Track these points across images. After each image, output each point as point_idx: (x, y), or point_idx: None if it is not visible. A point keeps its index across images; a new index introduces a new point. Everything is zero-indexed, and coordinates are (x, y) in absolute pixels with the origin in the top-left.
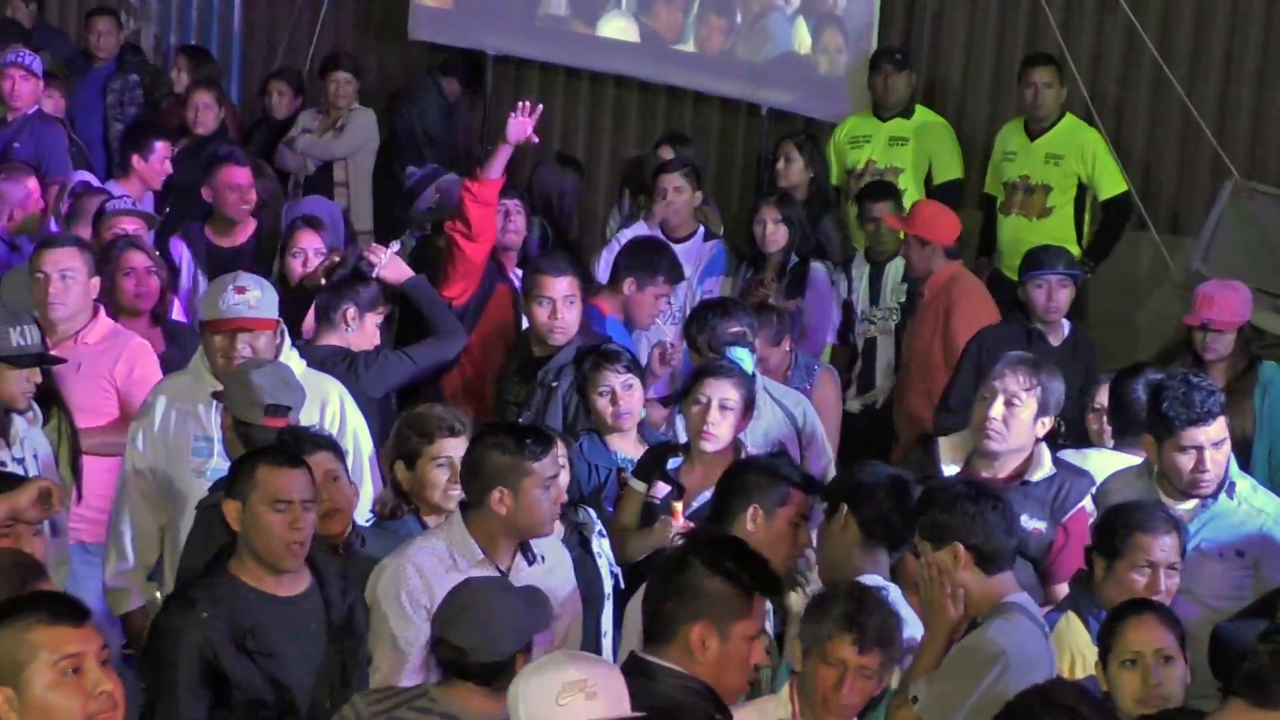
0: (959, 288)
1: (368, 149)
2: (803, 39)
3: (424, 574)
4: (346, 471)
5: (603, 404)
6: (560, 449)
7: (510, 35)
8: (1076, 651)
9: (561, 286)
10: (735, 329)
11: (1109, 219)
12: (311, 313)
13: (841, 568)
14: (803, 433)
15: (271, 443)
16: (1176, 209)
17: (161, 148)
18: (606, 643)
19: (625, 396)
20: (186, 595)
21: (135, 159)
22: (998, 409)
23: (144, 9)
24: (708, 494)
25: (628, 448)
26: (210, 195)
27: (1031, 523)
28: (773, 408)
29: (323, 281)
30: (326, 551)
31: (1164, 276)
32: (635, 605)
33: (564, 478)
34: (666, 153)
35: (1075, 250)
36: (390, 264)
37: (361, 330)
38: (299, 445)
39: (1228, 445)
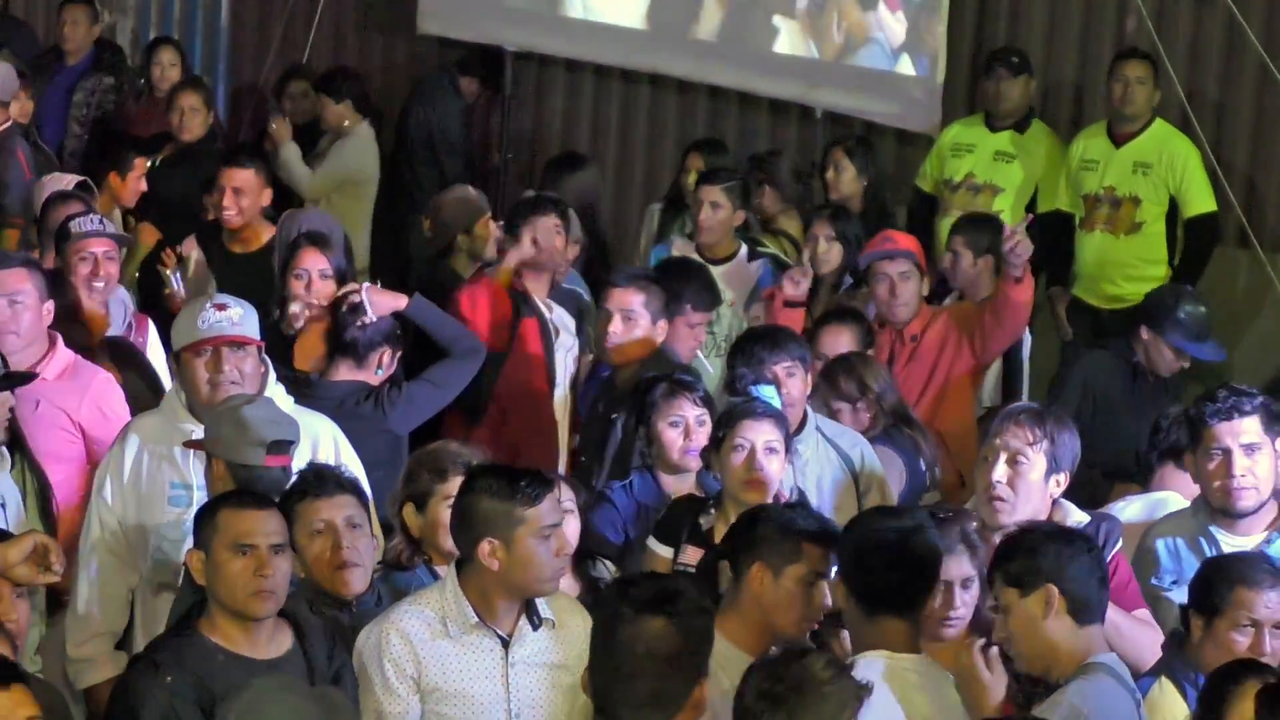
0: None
1: (360, 177)
2: (862, 32)
3: (410, 641)
4: (370, 520)
5: (672, 435)
6: (565, 493)
7: (531, 28)
8: None
9: (615, 298)
10: (785, 363)
11: (1193, 240)
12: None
13: (859, 642)
14: (860, 477)
15: (279, 483)
16: None
17: (140, 164)
18: None
19: (698, 432)
20: (150, 658)
21: (112, 175)
22: (1001, 470)
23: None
24: None
25: (684, 491)
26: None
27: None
28: (826, 449)
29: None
30: (333, 608)
31: (1268, 298)
32: None
33: (572, 526)
34: (696, 163)
35: (1166, 272)
36: (378, 299)
37: (388, 373)
38: (321, 485)
39: (1269, 458)
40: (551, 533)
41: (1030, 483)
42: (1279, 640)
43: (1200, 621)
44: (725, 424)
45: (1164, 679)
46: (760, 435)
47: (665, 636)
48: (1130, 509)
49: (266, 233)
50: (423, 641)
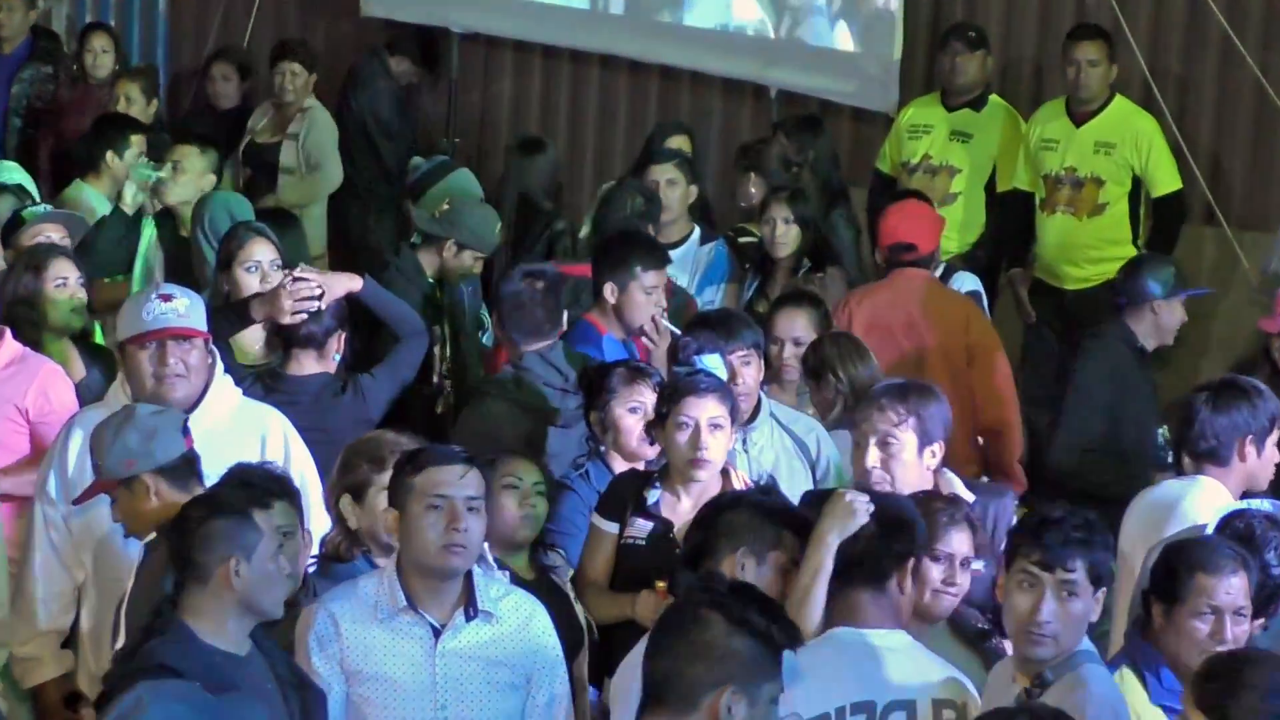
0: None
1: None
2: (817, 10)
3: (337, 622)
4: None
5: (631, 422)
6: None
7: (478, 9)
8: (1133, 714)
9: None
10: (740, 351)
11: (1161, 221)
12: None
13: (832, 619)
14: (816, 465)
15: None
16: (1250, 201)
17: (137, 141)
18: (585, 699)
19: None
20: (160, 664)
21: (110, 156)
22: (874, 455)
23: None
24: None
25: None
26: None
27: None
28: (781, 436)
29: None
30: None
31: (1236, 277)
32: (627, 672)
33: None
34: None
35: (1130, 253)
36: (333, 283)
37: (340, 355)
38: None
39: None
40: (440, 510)
41: (904, 462)
42: (1241, 627)
43: (1160, 609)
44: (669, 400)
45: (1125, 668)
46: (704, 412)
47: (730, 633)
48: (1160, 490)
49: None
50: (349, 623)
